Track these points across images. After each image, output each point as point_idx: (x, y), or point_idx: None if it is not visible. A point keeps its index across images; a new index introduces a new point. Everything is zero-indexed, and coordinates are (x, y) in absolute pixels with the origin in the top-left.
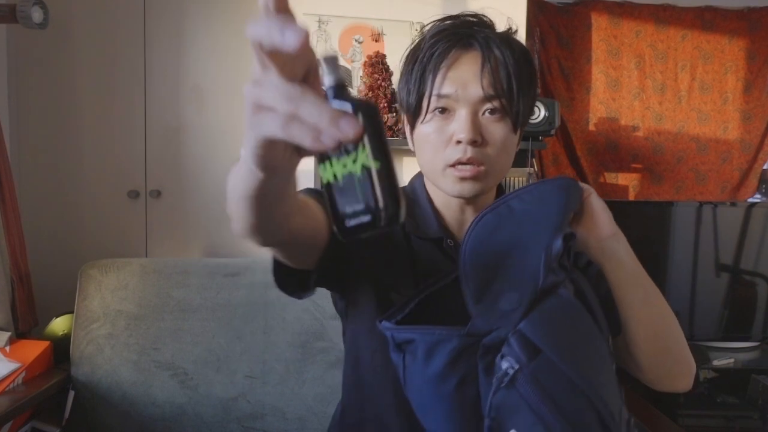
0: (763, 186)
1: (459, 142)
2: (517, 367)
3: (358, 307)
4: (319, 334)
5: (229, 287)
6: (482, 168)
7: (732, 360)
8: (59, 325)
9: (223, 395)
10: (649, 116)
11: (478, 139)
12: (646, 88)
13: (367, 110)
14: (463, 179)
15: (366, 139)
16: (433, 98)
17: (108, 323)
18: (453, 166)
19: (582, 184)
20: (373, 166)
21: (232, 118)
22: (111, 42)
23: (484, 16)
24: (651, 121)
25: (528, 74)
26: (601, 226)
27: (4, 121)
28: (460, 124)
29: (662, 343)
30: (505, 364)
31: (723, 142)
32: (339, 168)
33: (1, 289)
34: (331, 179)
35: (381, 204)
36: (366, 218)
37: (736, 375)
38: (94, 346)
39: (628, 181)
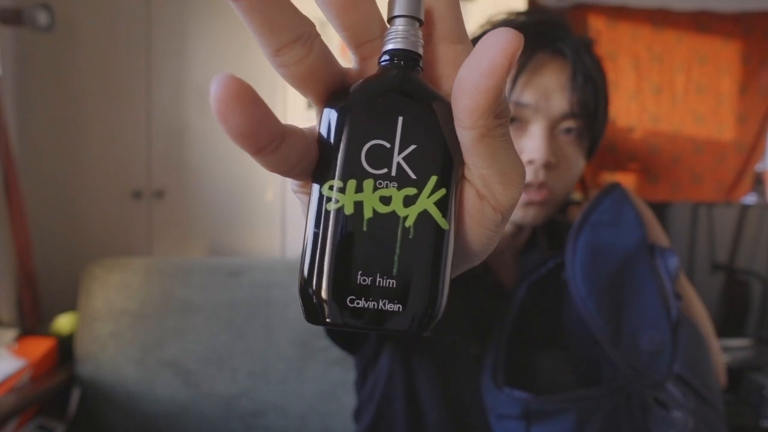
0: (758, 186)
1: (531, 161)
2: (692, 422)
3: (415, 362)
4: (320, 332)
5: (232, 286)
6: (550, 194)
7: (727, 358)
8: (64, 322)
9: (225, 393)
10: (646, 117)
11: (553, 161)
12: (643, 89)
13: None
14: (529, 204)
15: (443, 172)
16: (511, 106)
17: (112, 322)
18: None
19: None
20: (443, 224)
21: None
22: (115, 44)
23: (562, 16)
24: (647, 123)
25: (607, 93)
26: (656, 237)
27: (11, 122)
28: (535, 142)
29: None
30: (677, 414)
31: (718, 143)
32: (373, 199)
33: (9, 288)
34: (349, 210)
35: (437, 295)
36: (393, 306)
37: (731, 373)
38: (98, 344)
39: (624, 181)
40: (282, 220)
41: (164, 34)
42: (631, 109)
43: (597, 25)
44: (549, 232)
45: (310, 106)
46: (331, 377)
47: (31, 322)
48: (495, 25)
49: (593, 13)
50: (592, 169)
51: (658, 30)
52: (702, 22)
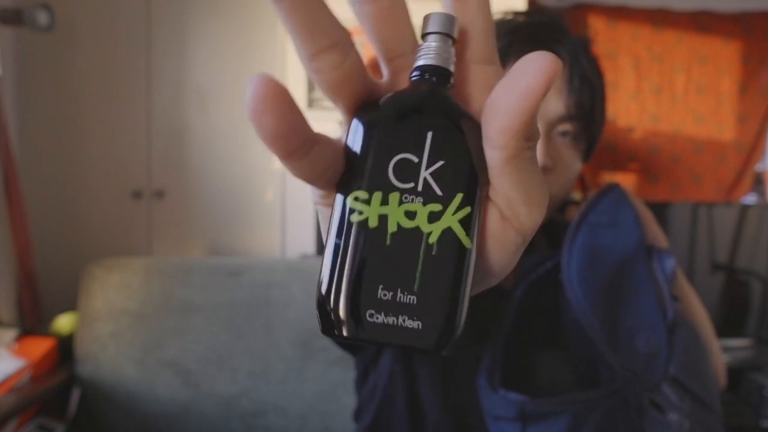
0: (758, 186)
1: None
2: (688, 425)
3: (416, 362)
4: (320, 332)
5: (232, 286)
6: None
7: (727, 358)
8: (64, 322)
9: (225, 393)
10: (646, 117)
11: (549, 164)
12: (643, 89)
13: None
14: None
15: (468, 191)
16: None
17: (112, 322)
18: None
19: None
20: (466, 243)
21: (235, 118)
22: (115, 44)
23: (559, 17)
24: (647, 123)
25: (605, 94)
26: (653, 238)
27: (11, 122)
28: None
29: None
30: (673, 417)
31: (718, 143)
32: (398, 213)
33: (9, 288)
34: (373, 223)
35: (456, 314)
36: (412, 323)
37: (731, 373)
38: (98, 344)
39: (624, 181)
40: (282, 220)
41: (164, 34)
42: (631, 109)
43: (597, 25)
44: (548, 232)
45: (310, 106)
46: (331, 377)
47: (31, 322)
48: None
49: (593, 13)
50: (592, 169)
51: (658, 30)
52: (702, 22)
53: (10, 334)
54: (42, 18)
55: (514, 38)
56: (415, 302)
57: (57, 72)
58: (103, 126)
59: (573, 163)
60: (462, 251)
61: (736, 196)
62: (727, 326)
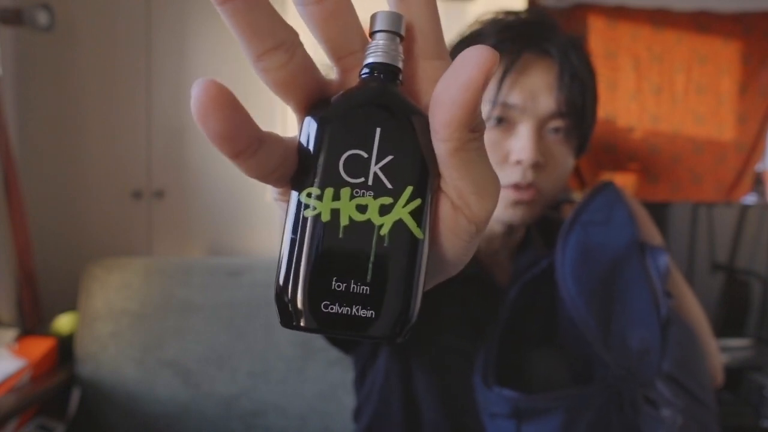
0: (758, 186)
1: (518, 162)
2: (681, 420)
3: (412, 362)
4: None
5: (232, 286)
6: (539, 194)
7: (727, 358)
8: (64, 322)
9: (225, 393)
10: (646, 117)
11: (541, 161)
12: (643, 89)
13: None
14: (517, 203)
15: (418, 183)
16: (497, 107)
17: (112, 322)
18: (507, 187)
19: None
20: (418, 234)
21: None
22: (115, 44)
23: (549, 15)
24: (647, 123)
25: (596, 91)
26: (648, 237)
27: (11, 122)
28: (522, 142)
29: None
30: (666, 413)
31: (718, 143)
32: (349, 207)
33: (9, 288)
34: (326, 218)
35: (410, 303)
36: (366, 312)
37: (731, 373)
38: (98, 344)
39: (624, 181)
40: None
41: (164, 34)
42: (631, 109)
43: (597, 25)
44: (544, 230)
45: None
46: (331, 377)
47: (31, 322)
48: (483, 25)
49: (593, 13)
50: (591, 169)
51: (658, 30)
52: (702, 22)
53: (10, 334)
54: (42, 18)
55: (505, 37)
56: (368, 292)
57: (57, 72)
58: (103, 126)
59: (565, 160)
60: (414, 242)
61: (736, 196)
62: (727, 326)
